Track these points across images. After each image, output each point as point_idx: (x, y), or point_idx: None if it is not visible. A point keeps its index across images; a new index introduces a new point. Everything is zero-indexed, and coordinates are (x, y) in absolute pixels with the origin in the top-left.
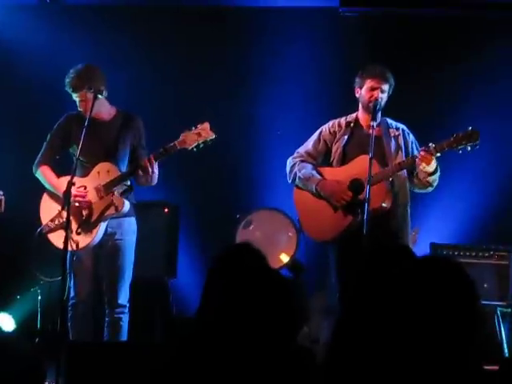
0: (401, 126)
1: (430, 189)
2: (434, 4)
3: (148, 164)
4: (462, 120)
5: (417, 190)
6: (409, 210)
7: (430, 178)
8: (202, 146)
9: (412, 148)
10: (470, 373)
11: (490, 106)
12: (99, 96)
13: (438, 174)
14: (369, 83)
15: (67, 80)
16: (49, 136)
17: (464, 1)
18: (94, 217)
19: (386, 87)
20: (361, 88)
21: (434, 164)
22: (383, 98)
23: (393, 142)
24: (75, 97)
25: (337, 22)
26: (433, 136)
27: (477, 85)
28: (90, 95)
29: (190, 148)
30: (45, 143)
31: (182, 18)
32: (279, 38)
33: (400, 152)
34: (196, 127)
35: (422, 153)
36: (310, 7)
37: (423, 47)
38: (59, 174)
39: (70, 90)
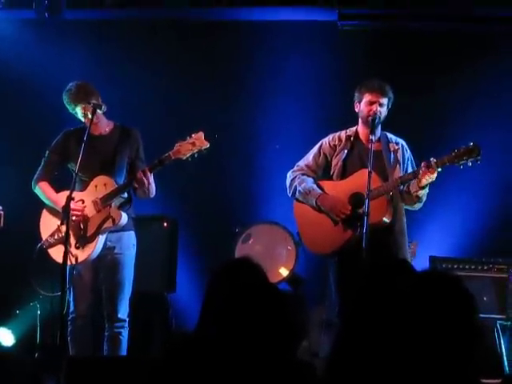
0: (400, 141)
1: (417, 205)
2: (433, 18)
3: (143, 176)
4: (462, 134)
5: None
6: (405, 224)
7: (420, 193)
8: (196, 155)
9: (407, 164)
10: None
11: (490, 119)
12: (98, 111)
13: (427, 190)
14: (367, 97)
15: (68, 95)
16: (47, 153)
17: (463, 14)
18: (92, 230)
19: (384, 101)
20: (359, 102)
21: (433, 177)
22: (382, 111)
23: (392, 157)
24: (78, 110)
25: (335, 35)
26: (432, 150)
27: (476, 98)
28: (90, 109)
29: (185, 158)
30: (43, 160)
31: (183, 32)
32: (278, 51)
33: (398, 166)
34: (190, 137)
35: (424, 168)
36: (308, 21)
37: (422, 61)
38: (57, 190)
39: (72, 105)
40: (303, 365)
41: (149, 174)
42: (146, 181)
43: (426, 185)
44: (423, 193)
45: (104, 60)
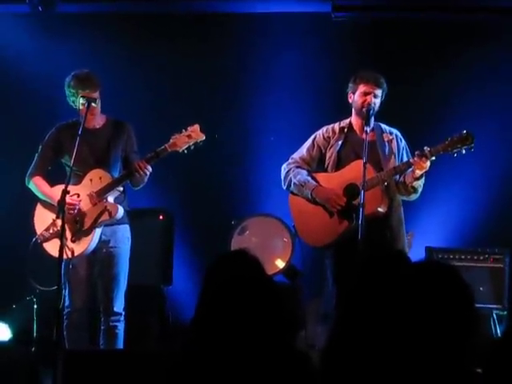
0: (394, 131)
1: (413, 196)
2: (428, 8)
3: (139, 167)
4: (457, 123)
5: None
6: (403, 215)
7: (416, 183)
8: (192, 147)
9: (402, 154)
10: (465, 376)
11: (486, 108)
12: (93, 104)
13: (423, 180)
14: (362, 88)
15: (74, 80)
16: (40, 147)
17: (455, 5)
18: (88, 224)
19: (379, 92)
20: (354, 93)
21: (426, 166)
22: (376, 103)
23: (386, 147)
24: (79, 98)
25: (329, 27)
26: (425, 140)
27: (470, 88)
28: (85, 103)
29: (181, 150)
30: (36, 155)
31: (175, 25)
32: (271, 43)
33: (393, 157)
34: (186, 129)
35: (417, 157)
36: (302, 13)
37: (417, 51)
38: (50, 184)
39: (74, 91)
40: (300, 354)
41: (147, 164)
42: (146, 171)
43: (421, 175)
44: (419, 183)
45: (97, 54)
